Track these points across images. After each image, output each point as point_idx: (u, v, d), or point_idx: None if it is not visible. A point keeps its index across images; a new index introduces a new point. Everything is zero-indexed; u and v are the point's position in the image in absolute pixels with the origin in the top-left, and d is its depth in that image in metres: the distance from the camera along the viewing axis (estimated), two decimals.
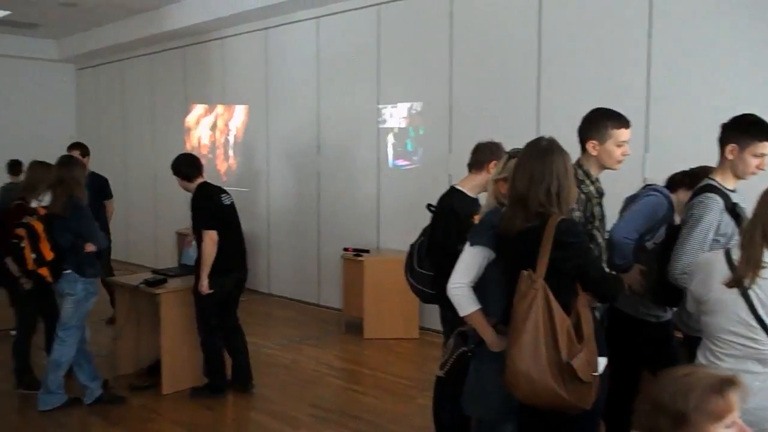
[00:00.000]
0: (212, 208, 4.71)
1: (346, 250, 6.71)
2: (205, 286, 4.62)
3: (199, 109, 9.31)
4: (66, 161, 4.65)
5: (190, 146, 9.44)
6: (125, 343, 5.29)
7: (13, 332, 5.23)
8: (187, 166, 4.83)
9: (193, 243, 4.93)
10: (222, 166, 8.97)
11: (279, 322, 7.11)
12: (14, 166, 7.37)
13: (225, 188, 4.99)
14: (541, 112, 5.67)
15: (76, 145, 6.53)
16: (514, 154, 2.80)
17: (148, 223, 10.28)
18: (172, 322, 4.85)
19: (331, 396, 5.03)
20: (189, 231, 5.23)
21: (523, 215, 2.46)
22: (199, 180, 4.82)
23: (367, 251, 6.60)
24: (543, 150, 2.50)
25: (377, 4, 6.89)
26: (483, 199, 3.23)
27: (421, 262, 3.54)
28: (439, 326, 3.71)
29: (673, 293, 2.82)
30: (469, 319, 2.68)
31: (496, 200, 2.80)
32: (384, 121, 6.96)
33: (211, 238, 4.61)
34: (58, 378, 4.56)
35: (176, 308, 4.87)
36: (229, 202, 4.82)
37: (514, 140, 3.30)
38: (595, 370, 2.40)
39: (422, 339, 6.24)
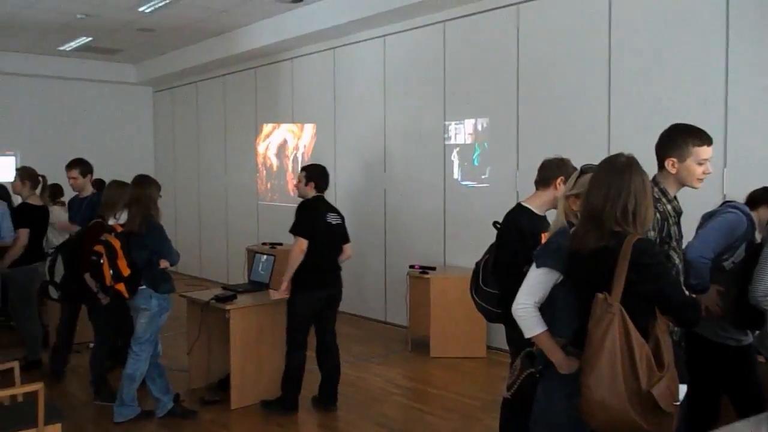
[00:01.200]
0: (311, 219, 4.78)
1: (412, 267, 6.69)
2: (282, 289, 4.72)
3: (268, 127, 9.52)
4: (141, 181, 4.80)
5: (260, 165, 9.65)
6: (197, 357, 5.41)
7: (91, 345, 5.43)
8: (320, 175, 4.98)
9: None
10: (291, 185, 9.12)
11: (345, 339, 7.09)
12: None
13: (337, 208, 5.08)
14: (613, 128, 5.52)
15: (76, 163, 5.91)
16: (586, 169, 2.72)
17: (219, 239, 10.54)
18: (242, 337, 4.93)
19: (397, 415, 4.99)
20: (259, 248, 5.31)
21: (597, 233, 2.38)
22: (319, 194, 4.95)
23: (433, 268, 6.56)
24: (621, 166, 2.41)
25: (443, 21, 6.90)
26: (551, 217, 3.15)
27: (486, 280, 3.49)
28: (506, 345, 3.63)
29: (754, 316, 2.67)
30: (536, 341, 2.61)
31: (566, 218, 2.72)
32: (450, 138, 6.93)
33: (299, 245, 4.69)
34: (131, 391, 4.70)
35: (245, 324, 4.95)
36: (335, 222, 4.88)
37: (584, 157, 3.22)
38: (677, 399, 2.28)
39: (489, 358, 6.14)
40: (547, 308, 2.58)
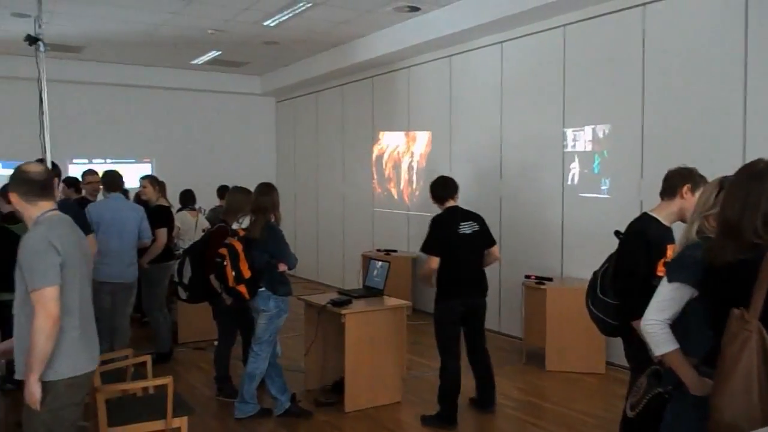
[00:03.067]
0: (441, 235, 4.81)
1: (528, 277, 6.54)
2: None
3: (385, 135, 9.64)
4: (264, 188, 4.99)
5: (376, 173, 9.80)
6: (313, 359, 5.55)
7: (215, 343, 5.70)
8: (437, 187, 5.02)
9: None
10: (406, 192, 9.19)
11: None
12: (222, 191, 8.12)
13: (472, 213, 5.03)
14: (749, 137, 5.14)
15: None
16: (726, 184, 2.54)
17: (335, 245, 10.79)
18: (356, 342, 5.01)
19: (511, 429, 4.88)
20: (374, 254, 5.38)
21: (735, 246, 2.20)
22: (450, 203, 4.97)
23: (550, 279, 6.38)
24: (760, 172, 2.22)
25: (563, 26, 6.72)
26: (677, 229, 2.96)
27: (604, 290, 3.34)
28: (627, 362, 3.45)
29: None
30: (666, 359, 2.45)
31: (701, 234, 2.53)
32: (569, 145, 6.73)
33: (429, 263, 4.80)
34: (252, 389, 4.89)
35: (360, 329, 5.02)
36: (469, 231, 4.89)
37: (715, 167, 3.02)
38: None
39: (609, 375, 5.88)
40: (678, 325, 2.43)
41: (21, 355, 2.77)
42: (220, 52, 10.09)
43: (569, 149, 6.73)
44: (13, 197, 2.89)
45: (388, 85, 9.50)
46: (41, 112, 4.39)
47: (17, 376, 2.79)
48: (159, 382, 3.74)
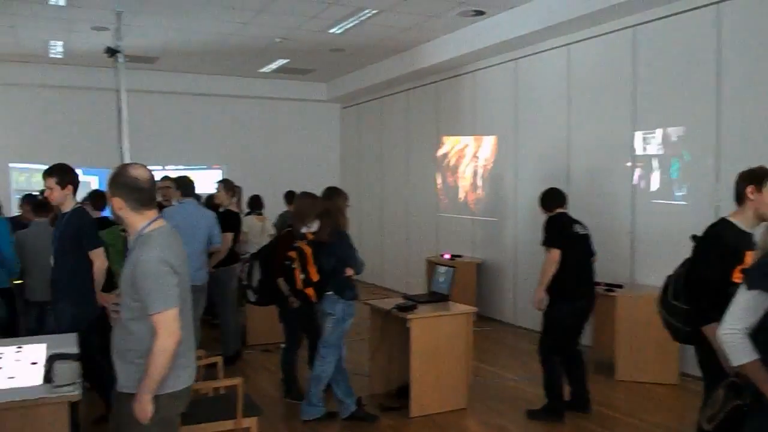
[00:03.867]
0: (560, 229, 4.96)
1: (597, 284, 6.37)
2: (537, 300, 4.93)
3: (449, 140, 9.62)
4: (331, 192, 5.07)
5: (440, 177, 9.78)
6: (378, 364, 5.58)
7: (282, 345, 5.80)
8: (545, 198, 5.20)
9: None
10: (471, 197, 9.13)
11: (524, 355, 6.96)
12: (289, 196, 8.25)
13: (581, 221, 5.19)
14: None
15: (58, 171, 4.43)
16: None
17: (400, 250, 10.82)
18: (422, 347, 5.00)
19: None
20: (439, 259, 5.37)
21: None
22: (558, 210, 5.12)
23: (620, 286, 6.21)
24: None
25: (633, 26, 6.55)
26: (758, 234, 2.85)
27: (677, 294, 3.25)
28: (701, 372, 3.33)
29: None
30: (744, 370, 2.36)
31: None
32: (639, 149, 6.55)
33: (552, 256, 4.87)
34: (318, 391, 4.95)
35: (426, 334, 5.02)
36: (583, 233, 5.03)
37: None
38: None
39: (682, 386, 5.68)
40: (758, 334, 2.33)
41: (124, 366, 2.71)
42: (287, 60, 10.29)
43: (639, 153, 6.55)
44: (118, 203, 2.72)
45: (453, 89, 9.47)
46: (120, 121, 4.58)
47: (120, 389, 2.73)
48: (229, 382, 3.84)
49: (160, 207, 6.69)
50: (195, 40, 8.93)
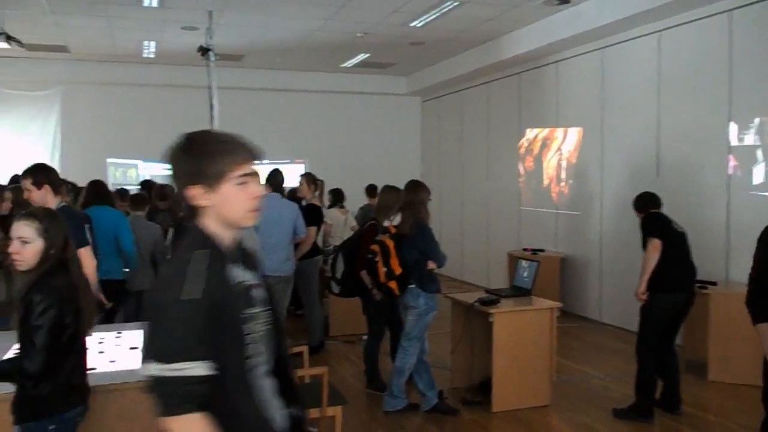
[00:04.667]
0: (661, 221, 4.95)
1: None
2: (640, 291, 4.86)
3: (532, 132, 9.45)
4: (413, 186, 5.08)
5: (522, 170, 9.63)
6: (459, 357, 5.57)
7: (365, 337, 5.87)
8: (640, 200, 5.22)
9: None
10: (554, 190, 8.95)
11: (610, 353, 6.79)
12: (371, 190, 8.34)
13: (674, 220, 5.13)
14: None
15: (32, 171, 4.15)
16: None
17: (481, 244, 10.73)
18: (504, 342, 4.96)
19: None
20: (521, 253, 5.30)
21: None
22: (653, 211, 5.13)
23: (713, 283, 5.95)
24: None
25: (729, 10, 6.24)
26: None
27: None
28: None
29: None
30: None
31: None
32: (734, 139, 6.24)
33: (654, 246, 4.81)
34: (400, 384, 4.99)
35: (508, 329, 4.97)
36: (680, 230, 4.99)
37: None
38: None
39: None
40: None
41: None
42: (368, 55, 10.37)
43: (735, 143, 6.24)
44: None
45: (536, 81, 9.30)
46: (211, 117, 4.73)
47: None
48: (315, 371, 3.93)
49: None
50: (279, 37, 9.13)
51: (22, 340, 2.49)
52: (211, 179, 1.73)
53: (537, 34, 8.41)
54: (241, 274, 1.75)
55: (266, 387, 1.79)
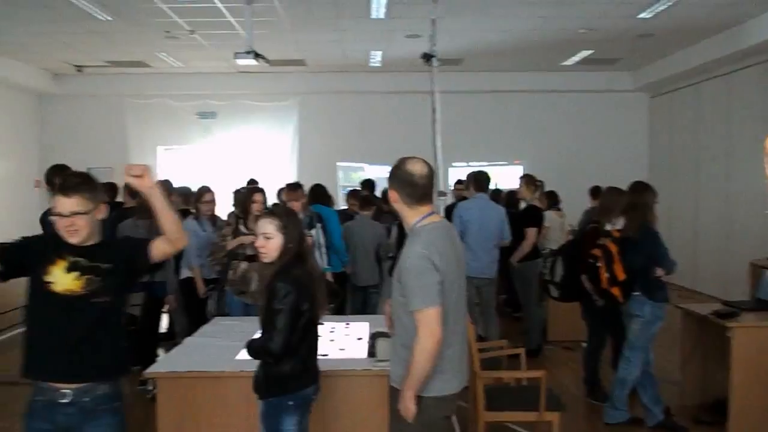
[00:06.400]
0: None
1: None
2: None
3: None
4: (638, 187, 4.81)
5: None
6: (690, 373, 5.16)
7: (584, 344, 5.66)
8: None
9: None
10: None
11: None
12: (595, 191, 8.03)
13: None
14: None
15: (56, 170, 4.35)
16: None
17: (718, 251, 9.80)
18: (745, 359, 4.48)
19: None
20: (766, 262, 4.78)
21: None
22: None
23: None
24: None
25: None
26: None
27: None
28: None
29: None
30: None
31: None
32: None
33: None
34: (623, 395, 4.74)
35: (750, 345, 4.48)
36: None
37: None
38: None
39: None
40: None
41: (396, 360, 2.73)
42: (591, 51, 9.98)
43: None
44: (393, 195, 2.74)
45: None
46: (433, 121, 4.89)
47: (391, 382, 2.75)
48: (533, 374, 3.89)
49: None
50: (497, 39, 9.14)
51: (266, 323, 2.81)
52: None
53: None
54: None
55: None
